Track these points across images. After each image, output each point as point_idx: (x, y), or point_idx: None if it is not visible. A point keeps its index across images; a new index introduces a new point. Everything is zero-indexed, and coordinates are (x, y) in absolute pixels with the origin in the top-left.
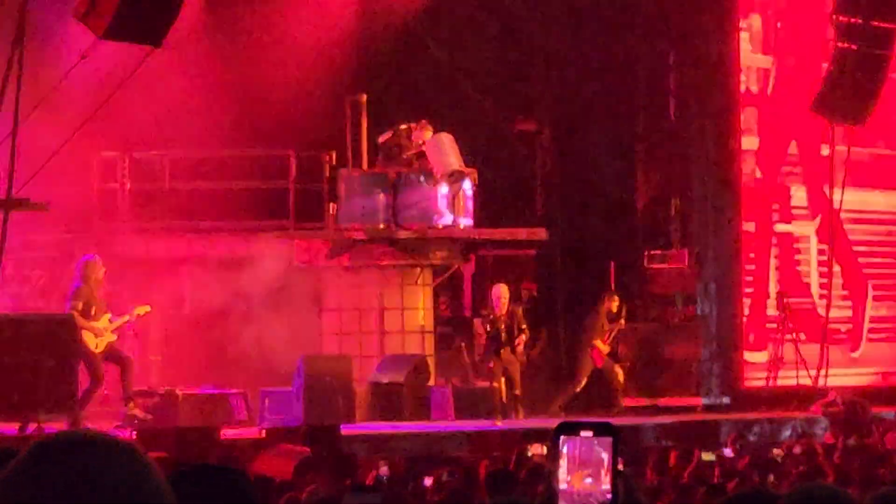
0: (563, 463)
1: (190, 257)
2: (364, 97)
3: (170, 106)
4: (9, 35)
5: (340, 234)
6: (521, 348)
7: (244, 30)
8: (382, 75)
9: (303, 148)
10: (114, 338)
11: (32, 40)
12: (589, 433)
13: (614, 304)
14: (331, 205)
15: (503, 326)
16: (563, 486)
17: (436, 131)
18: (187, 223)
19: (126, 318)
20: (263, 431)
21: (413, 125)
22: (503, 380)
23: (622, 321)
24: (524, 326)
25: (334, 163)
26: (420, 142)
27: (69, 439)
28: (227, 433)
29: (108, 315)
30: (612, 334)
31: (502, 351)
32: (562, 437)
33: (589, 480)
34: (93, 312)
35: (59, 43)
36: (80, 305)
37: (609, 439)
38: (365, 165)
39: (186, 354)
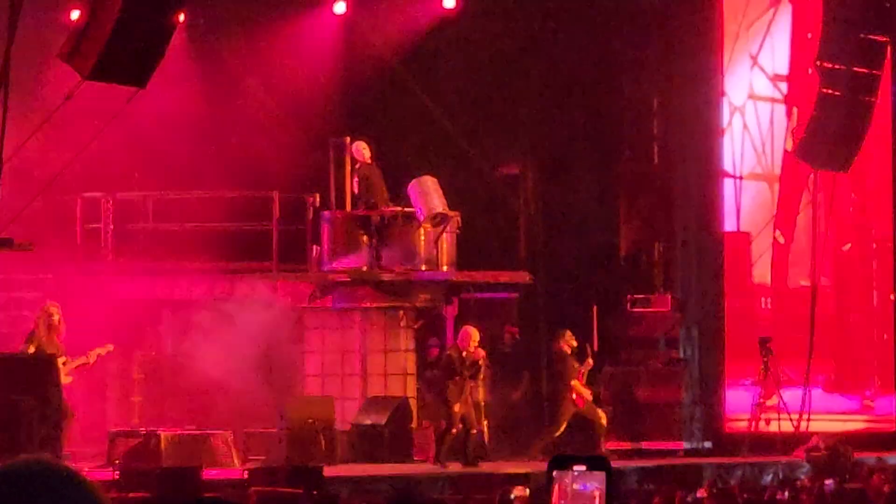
0: (555, 498)
1: (173, 298)
2: (348, 140)
3: (153, 147)
4: None
5: (323, 276)
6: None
7: (228, 72)
8: (366, 118)
9: (286, 190)
10: (69, 380)
11: (17, 81)
12: (582, 467)
13: (572, 342)
14: (314, 247)
15: (479, 367)
16: None
17: (420, 174)
18: (170, 264)
19: (82, 359)
20: (246, 472)
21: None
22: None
23: (590, 360)
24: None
25: (318, 205)
26: (362, 156)
27: (20, 470)
28: (210, 474)
29: (64, 358)
30: (585, 374)
31: (464, 393)
32: (554, 472)
33: None
34: None
35: (44, 84)
36: (32, 349)
37: (602, 474)
38: (348, 207)
39: (169, 395)
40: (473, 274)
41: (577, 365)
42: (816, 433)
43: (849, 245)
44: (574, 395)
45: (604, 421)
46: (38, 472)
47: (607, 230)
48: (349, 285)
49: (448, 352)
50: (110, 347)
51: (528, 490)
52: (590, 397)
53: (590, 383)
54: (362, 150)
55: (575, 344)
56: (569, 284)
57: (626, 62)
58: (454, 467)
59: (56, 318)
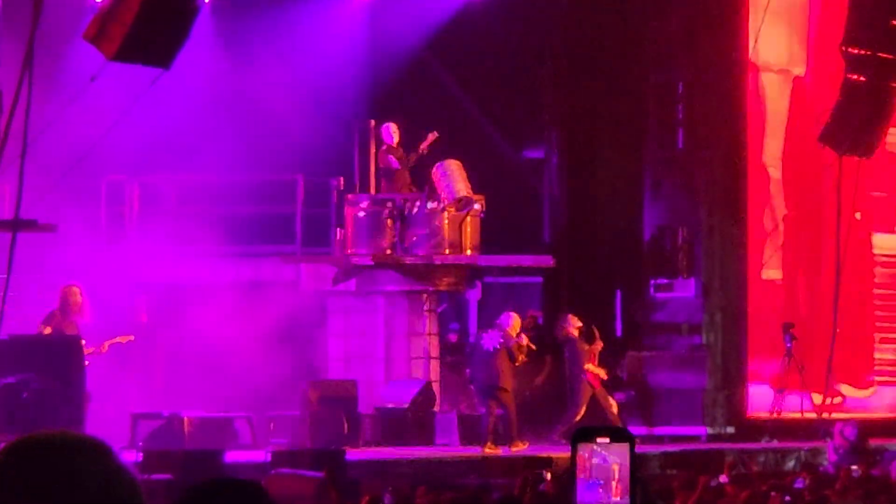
0: (578, 470)
1: (197, 281)
2: (372, 123)
3: (178, 130)
4: (19, 56)
5: (347, 260)
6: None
7: (253, 55)
8: (391, 101)
9: (311, 173)
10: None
11: (42, 62)
12: (605, 439)
13: (577, 324)
14: (338, 230)
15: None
16: (578, 495)
17: (444, 158)
18: (195, 247)
19: (105, 346)
20: (268, 455)
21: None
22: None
23: (599, 342)
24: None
25: (342, 188)
26: (395, 137)
27: (45, 440)
28: (232, 456)
29: (82, 342)
30: (596, 356)
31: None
32: (579, 445)
33: (601, 491)
34: None
35: (68, 65)
36: (48, 330)
37: (625, 445)
38: (373, 191)
39: (192, 378)
40: (497, 258)
41: (586, 347)
42: (840, 420)
43: (859, 214)
44: (589, 378)
45: (615, 409)
46: (66, 442)
47: (631, 215)
48: (373, 269)
49: (517, 339)
50: (131, 337)
51: (550, 474)
52: (605, 376)
53: (611, 368)
54: (393, 132)
55: (580, 325)
56: (592, 269)
57: (651, 46)
58: (477, 450)
59: (77, 299)
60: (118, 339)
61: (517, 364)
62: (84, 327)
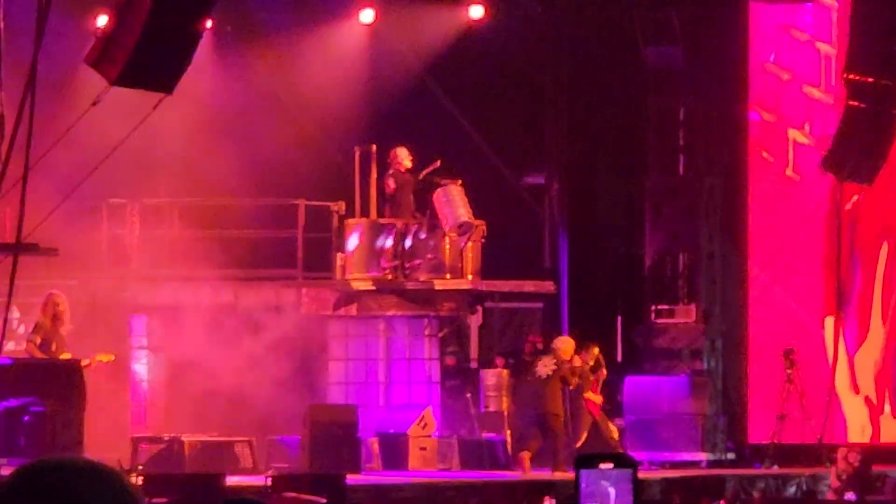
0: (579, 495)
1: (198, 305)
2: (374, 147)
3: (180, 153)
4: (21, 80)
5: (348, 284)
6: None
7: (255, 79)
8: (392, 126)
9: (312, 197)
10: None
11: (44, 86)
12: (609, 465)
13: (593, 354)
14: (339, 254)
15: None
16: None
17: (445, 183)
18: (195, 271)
19: (86, 361)
20: (269, 479)
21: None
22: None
23: (604, 370)
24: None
25: (343, 212)
26: (405, 163)
27: (52, 464)
28: (232, 480)
29: (69, 354)
30: (599, 384)
31: None
32: (581, 470)
33: None
34: (53, 348)
35: (70, 89)
36: (38, 339)
37: (628, 471)
38: (374, 215)
39: (192, 401)
40: (498, 283)
41: (591, 377)
42: (842, 445)
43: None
44: (588, 405)
45: (616, 435)
46: (77, 466)
47: (632, 241)
48: (374, 294)
49: (569, 362)
50: (112, 357)
51: (554, 500)
52: (600, 401)
53: (612, 394)
54: (402, 158)
55: (591, 360)
56: (593, 294)
57: (652, 72)
58: (477, 475)
59: (61, 307)
60: (101, 358)
61: (571, 388)
62: (67, 336)
